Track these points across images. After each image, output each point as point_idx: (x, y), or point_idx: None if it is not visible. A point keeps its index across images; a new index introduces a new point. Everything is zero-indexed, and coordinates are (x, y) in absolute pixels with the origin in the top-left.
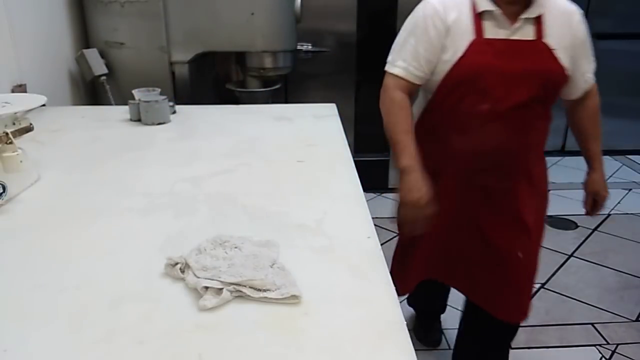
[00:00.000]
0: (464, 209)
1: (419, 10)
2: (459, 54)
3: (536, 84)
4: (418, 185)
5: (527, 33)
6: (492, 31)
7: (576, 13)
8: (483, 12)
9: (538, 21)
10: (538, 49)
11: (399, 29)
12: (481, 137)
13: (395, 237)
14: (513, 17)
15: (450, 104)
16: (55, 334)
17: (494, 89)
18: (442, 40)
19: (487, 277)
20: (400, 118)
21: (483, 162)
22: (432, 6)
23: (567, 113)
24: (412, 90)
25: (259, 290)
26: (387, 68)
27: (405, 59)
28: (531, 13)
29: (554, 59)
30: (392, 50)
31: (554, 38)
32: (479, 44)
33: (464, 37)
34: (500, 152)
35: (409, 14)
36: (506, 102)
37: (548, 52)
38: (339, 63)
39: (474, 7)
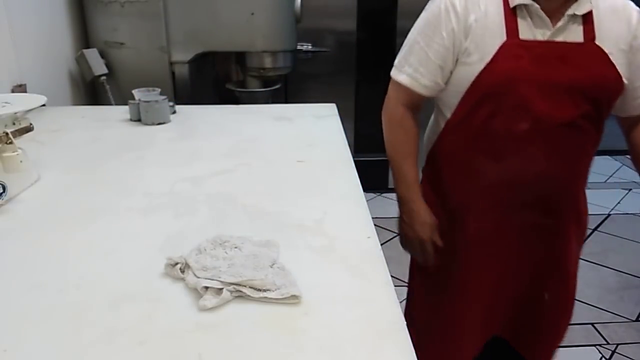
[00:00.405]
0: (499, 256)
1: (432, 4)
2: (487, 58)
3: (587, 97)
4: (420, 218)
5: (573, 34)
6: (528, 31)
7: (635, 10)
8: (517, 6)
9: (587, 19)
10: (588, 53)
11: (399, 29)
12: (519, 164)
13: (395, 237)
14: (555, 13)
15: (478, 123)
16: (55, 334)
17: (533, 102)
18: (459, 42)
19: (519, 315)
20: (400, 140)
21: (522, 195)
22: (448, 0)
23: (624, 134)
24: (419, 103)
25: (259, 290)
26: (393, 74)
27: (412, 64)
28: (579, 9)
29: (609, 66)
30: (399, 53)
31: (608, 40)
32: (513, 47)
33: (492, 38)
34: (543, 183)
35: (409, 13)
36: (550, 119)
37: (601, 57)
38: (339, 63)
39: (505, 0)
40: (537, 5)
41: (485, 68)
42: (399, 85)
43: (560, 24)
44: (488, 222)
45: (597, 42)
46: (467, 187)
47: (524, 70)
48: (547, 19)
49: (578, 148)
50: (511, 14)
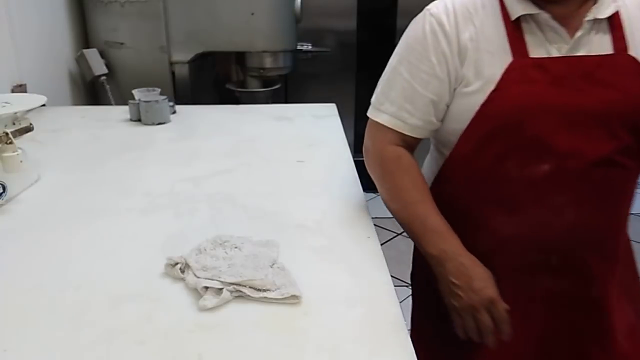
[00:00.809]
0: (520, 333)
1: (415, 24)
2: (491, 85)
3: (625, 124)
4: (477, 273)
5: (599, 44)
6: (540, 47)
7: None
8: (521, 17)
9: (614, 23)
10: (621, 67)
11: (399, 29)
12: (541, 217)
13: (395, 236)
14: (572, 21)
15: (485, 165)
16: (55, 334)
17: (555, 137)
18: (454, 69)
19: None
20: (404, 185)
21: (546, 256)
22: (434, 17)
23: None
24: (411, 145)
25: (259, 290)
26: (370, 114)
27: (394, 101)
28: (601, 11)
29: None
30: (377, 85)
31: None
32: (523, 68)
33: (495, 59)
34: (573, 240)
35: (409, 13)
36: (578, 158)
37: (639, 70)
38: (339, 63)
39: (503, 10)
40: (546, 14)
41: (489, 97)
42: (380, 126)
43: (579, 33)
44: (503, 291)
45: (631, 52)
46: (474, 244)
47: (539, 96)
48: (562, 29)
49: (616, 191)
50: (515, 28)
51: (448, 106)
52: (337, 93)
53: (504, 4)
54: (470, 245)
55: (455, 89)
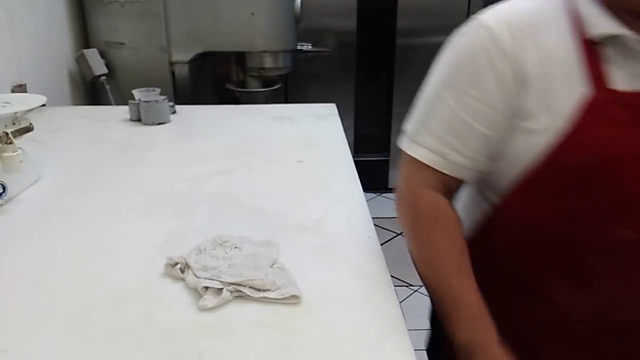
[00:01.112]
0: None
1: (461, 37)
2: (562, 123)
3: None
4: None
5: None
6: (626, 76)
7: None
8: (602, 39)
9: None
10: None
11: (399, 29)
12: (620, 295)
13: (395, 236)
14: None
15: (551, 224)
16: (55, 334)
17: None
18: (513, 97)
19: None
20: (440, 247)
21: (625, 344)
22: (487, 30)
23: None
24: (451, 189)
25: (259, 290)
26: (406, 147)
27: (435, 133)
28: None
29: None
30: (413, 113)
31: None
32: (605, 104)
33: (566, 89)
34: None
35: (409, 13)
36: None
37: None
38: (339, 63)
39: (579, 27)
40: (634, 36)
41: (565, 141)
42: (416, 163)
43: None
44: None
45: None
46: (527, 320)
47: (628, 143)
48: None
49: None
50: (592, 49)
51: (503, 143)
52: (337, 93)
53: (580, 17)
54: (523, 321)
55: (512, 123)
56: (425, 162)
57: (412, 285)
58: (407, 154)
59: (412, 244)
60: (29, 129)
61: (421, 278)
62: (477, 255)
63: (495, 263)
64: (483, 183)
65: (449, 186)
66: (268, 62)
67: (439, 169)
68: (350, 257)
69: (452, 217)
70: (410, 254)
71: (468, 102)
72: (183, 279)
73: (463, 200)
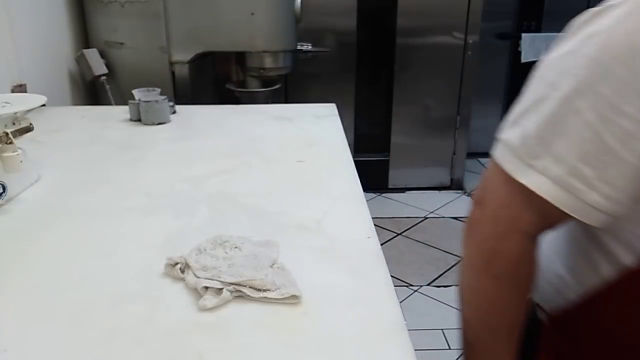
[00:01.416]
0: None
1: (619, 26)
2: None
3: None
4: None
5: None
6: None
7: None
8: None
9: None
10: None
11: (399, 29)
12: None
13: (395, 236)
14: None
15: None
16: (55, 334)
17: None
18: None
19: None
20: (506, 304)
21: None
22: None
23: None
24: (552, 228)
25: (259, 290)
26: (512, 168)
27: (562, 157)
28: None
29: None
30: (519, 117)
31: None
32: None
33: None
34: None
35: (410, 13)
36: None
37: None
38: (339, 63)
39: None
40: None
41: None
42: (526, 193)
43: None
44: None
45: None
46: None
47: None
48: None
49: None
50: None
51: None
52: (337, 93)
53: None
54: None
55: None
56: (544, 196)
57: (412, 285)
58: (510, 176)
59: (471, 293)
60: (29, 129)
61: (464, 326)
62: (585, 324)
63: (615, 339)
64: (608, 232)
65: (551, 227)
66: (268, 62)
67: (562, 208)
68: (350, 257)
69: (532, 274)
70: (460, 294)
71: (617, 120)
72: (183, 279)
73: (563, 250)
